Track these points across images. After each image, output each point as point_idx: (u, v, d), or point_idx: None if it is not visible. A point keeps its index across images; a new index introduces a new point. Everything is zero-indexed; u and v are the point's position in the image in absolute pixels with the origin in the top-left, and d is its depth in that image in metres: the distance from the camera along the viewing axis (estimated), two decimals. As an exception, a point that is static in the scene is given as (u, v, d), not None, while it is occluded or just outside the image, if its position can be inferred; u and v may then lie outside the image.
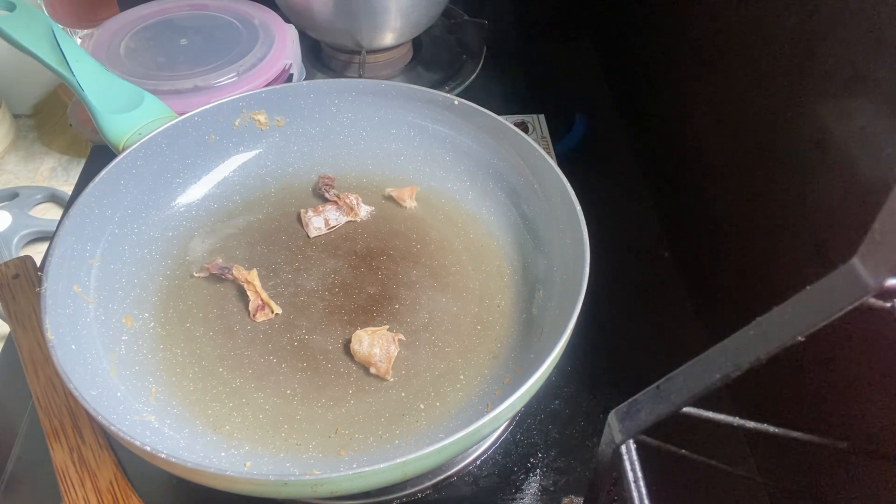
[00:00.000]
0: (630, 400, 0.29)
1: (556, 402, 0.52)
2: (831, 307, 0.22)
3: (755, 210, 0.51)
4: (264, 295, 0.50)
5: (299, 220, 0.57)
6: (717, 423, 0.29)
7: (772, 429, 0.31)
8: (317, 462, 0.42)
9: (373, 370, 0.47)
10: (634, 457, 0.30)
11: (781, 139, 0.47)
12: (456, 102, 0.58)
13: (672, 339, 0.57)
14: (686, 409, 0.27)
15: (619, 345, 0.56)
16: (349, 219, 0.57)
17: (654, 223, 0.67)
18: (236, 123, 0.59)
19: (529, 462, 0.49)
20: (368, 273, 0.53)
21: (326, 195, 0.58)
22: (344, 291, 0.52)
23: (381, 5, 0.69)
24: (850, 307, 0.22)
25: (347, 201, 0.57)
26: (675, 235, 0.64)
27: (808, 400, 0.44)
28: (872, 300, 0.21)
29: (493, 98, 0.77)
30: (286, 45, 0.69)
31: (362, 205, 0.58)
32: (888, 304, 0.21)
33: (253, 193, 0.59)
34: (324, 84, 0.60)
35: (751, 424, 0.30)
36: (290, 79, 0.69)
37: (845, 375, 0.40)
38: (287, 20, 0.73)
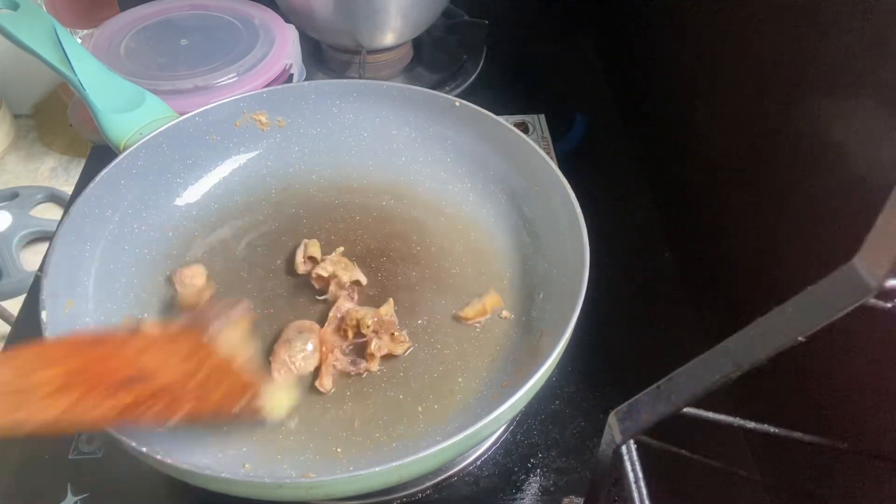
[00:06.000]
0: (630, 400, 0.29)
1: (557, 402, 0.52)
2: (831, 307, 0.22)
3: (755, 210, 0.51)
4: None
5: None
6: (717, 423, 0.29)
7: (772, 429, 0.31)
8: (314, 464, 0.42)
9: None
10: (635, 457, 0.30)
11: (782, 139, 0.47)
12: (457, 104, 0.58)
13: (672, 339, 0.57)
14: (686, 409, 0.27)
15: (619, 345, 0.56)
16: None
17: (654, 223, 0.67)
18: (237, 124, 0.59)
19: (530, 462, 0.49)
20: (368, 274, 0.53)
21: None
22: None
23: (381, 5, 0.69)
24: (851, 307, 0.22)
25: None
26: (675, 235, 0.64)
27: (808, 400, 0.44)
28: (872, 300, 0.21)
29: (493, 98, 0.77)
30: (286, 45, 0.69)
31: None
32: (888, 305, 0.21)
33: (253, 194, 0.59)
34: (325, 85, 0.60)
35: (751, 424, 0.30)
36: (290, 79, 0.69)
37: (845, 376, 0.40)
38: (287, 20, 0.73)
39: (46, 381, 0.34)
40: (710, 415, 0.28)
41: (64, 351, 0.38)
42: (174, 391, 0.38)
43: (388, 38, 0.74)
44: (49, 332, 0.41)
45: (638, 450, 0.30)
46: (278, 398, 0.43)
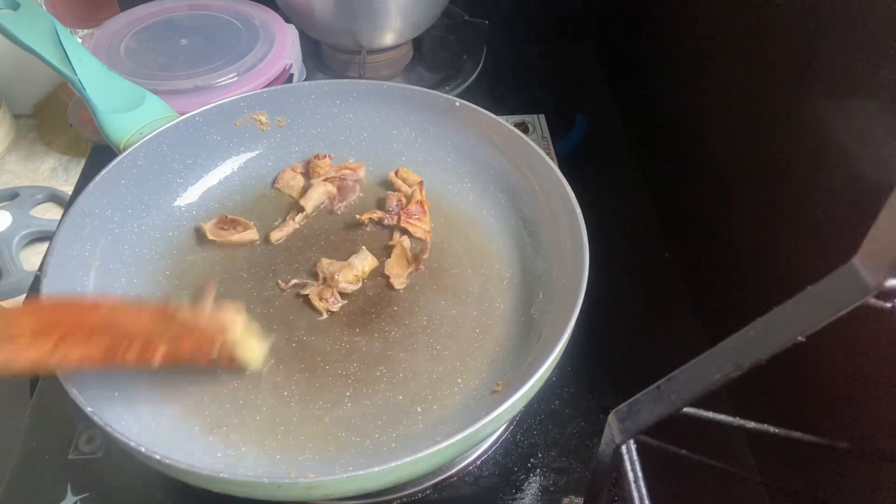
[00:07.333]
0: (630, 400, 0.29)
1: (557, 402, 0.52)
2: (831, 307, 0.22)
3: (755, 210, 0.51)
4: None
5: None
6: (717, 423, 0.29)
7: (772, 429, 0.31)
8: (313, 464, 0.42)
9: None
10: (634, 457, 0.30)
11: (782, 139, 0.47)
12: (457, 104, 0.58)
13: (672, 339, 0.57)
14: (686, 409, 0.27)
15: (619, 345, 0.56)
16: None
17: (654, 223, 0.67)
18: (237, 123, 0.59)
19: (530, 462, 0.49)
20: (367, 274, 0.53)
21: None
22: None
23: (381, 5, 0.69)
24: (851, 307, 0.22)
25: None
26: (675, 236, 0.64)
27: (808, 400, 0.44)
28: (872, 300, 0.21)
29: (493, 98, 0.77)
30: (286, 45, 0.69)
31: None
32: (888, 304, 0.21)
33: (253, 194, 0.59)
34: (325, 85, 0.60)
35: (751, 424, 0.30)
36: (290, 79, 0.69)
37: (845, 375, 0.40)
38: (287, 20, 0.73)
39: (24, 329, 0.38)
40: (710, 415, 0.28)
41: (39, 308, 0.41)
42: (147, 336, 0.40)
43: (389, 38, 0.74)
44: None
45: (638, 450, 0.30)
46: (251, 347, 0.45)
